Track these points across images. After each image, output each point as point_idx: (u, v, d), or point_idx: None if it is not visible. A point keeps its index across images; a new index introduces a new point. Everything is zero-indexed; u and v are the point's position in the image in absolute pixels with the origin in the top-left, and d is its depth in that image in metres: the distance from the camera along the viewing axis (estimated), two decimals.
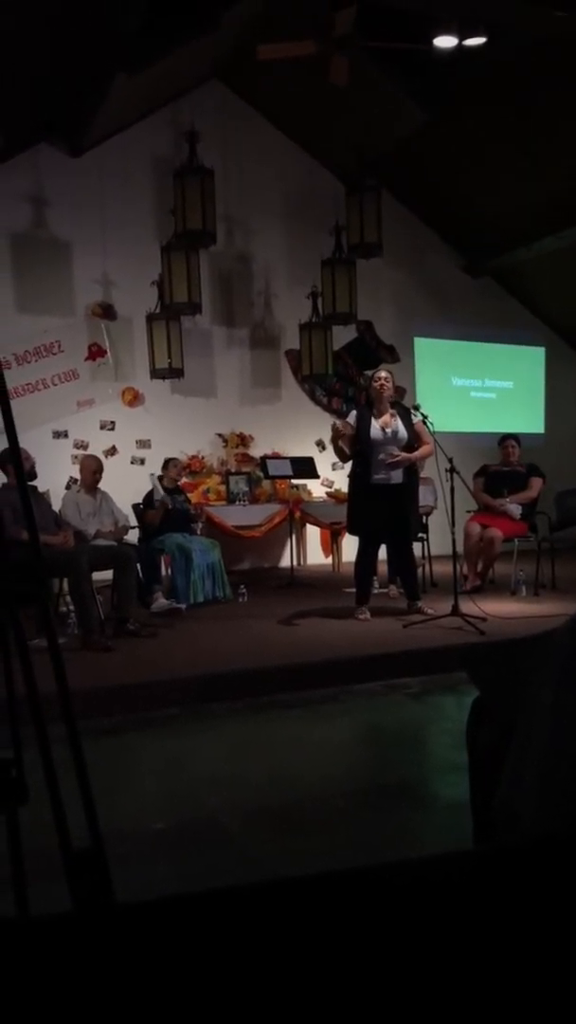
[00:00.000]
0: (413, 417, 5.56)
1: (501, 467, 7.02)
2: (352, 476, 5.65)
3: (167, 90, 8.11)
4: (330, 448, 9.14)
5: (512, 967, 0.62)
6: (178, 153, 8.04)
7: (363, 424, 5.49)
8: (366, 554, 5.69)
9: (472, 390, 10.28)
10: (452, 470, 5.36)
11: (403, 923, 0.66)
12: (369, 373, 9.01)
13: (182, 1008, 0.59)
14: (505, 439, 7.13)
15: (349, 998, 0.58)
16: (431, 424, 5.58)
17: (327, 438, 9.27)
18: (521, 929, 0.65)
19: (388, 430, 5.48)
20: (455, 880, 0.71)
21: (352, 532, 5.80)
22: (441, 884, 0.69)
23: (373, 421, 5.50)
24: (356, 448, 5.50)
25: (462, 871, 0.72)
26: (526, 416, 10.34)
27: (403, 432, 5.50)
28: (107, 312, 8.29)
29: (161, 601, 6.20)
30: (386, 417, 5.52)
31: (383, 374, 5.67)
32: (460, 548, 5.90)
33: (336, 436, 5.55)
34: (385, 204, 8.68)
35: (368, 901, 0.68)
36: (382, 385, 5.56)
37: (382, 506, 5.44)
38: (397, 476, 5.48)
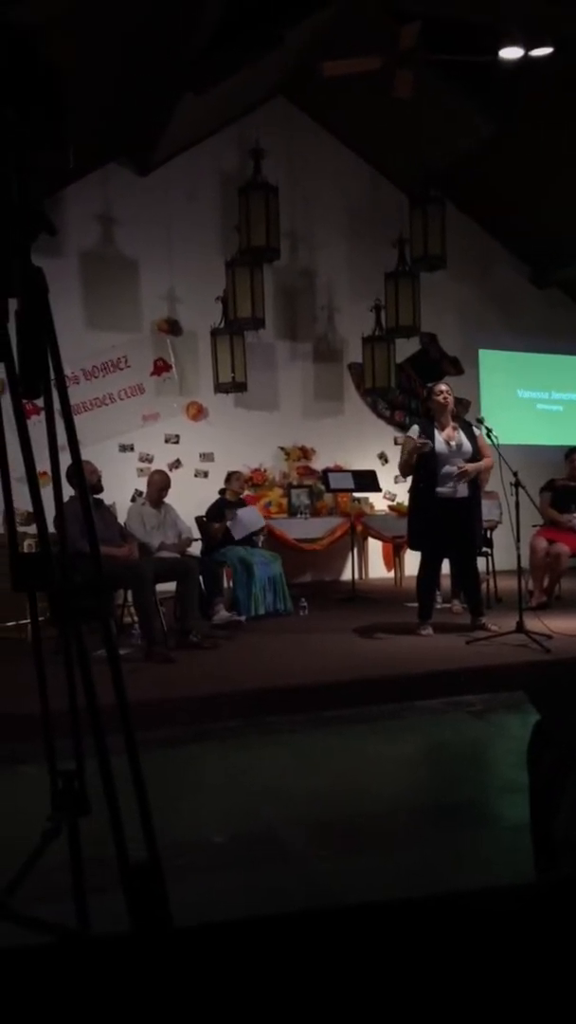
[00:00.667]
0: (475, 431, 5.51)
1: (568, 481, 6.88)
2: (415, 490, 5.59)
3: (233, 108, 8.23)
4: (393, 462, 9.13)
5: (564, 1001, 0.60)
6: (243, 170, 8.14)
7: (428, 437, 5.44)
8: (429, 569, 5.63)
9: (538, 402, 10.12)
10: (517, 484, 5.28)
11: (468, 955, 0.65)
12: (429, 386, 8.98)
13: None
14: (572, 452, 6.99)
15: None
16: (496, 437, 5.51)
17: (389, 451, 9.27)
18: None
19: (452, 443, 5.43)
20: (521, 912, 0.70)
21: (414, 547, 5.73)
22: (505, 916, 0.68)
23: (437, 434, 5.45)
24: (420, 462, 5.43)
25: (527, 903, 0.71)
26: None
27: (467, 445, 5.44)
28: (172, 327, 8.43)
29: (223, 613, 6.24)
30: (449, 430, 5.47)
31: (444, 387, 5.62)
32: (525, 563, 5.79)
33: (414, 451, 5.42)
34: (449, 216, 8.64)
35: (432, 931, 0.67)
36: (445, 398, 5.51)
37: (446, 520, 5.38)
38: (462, 490, 5.42)
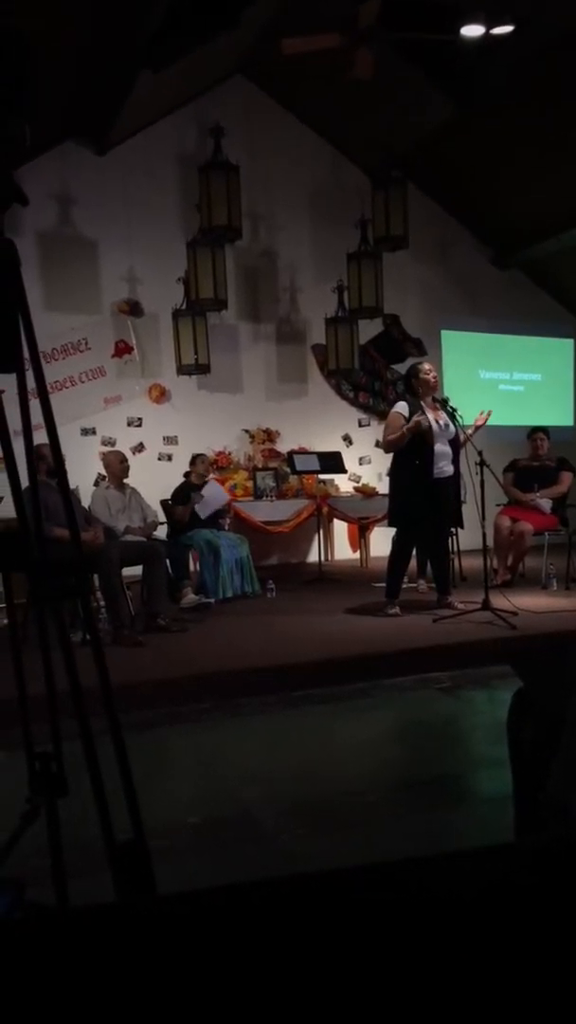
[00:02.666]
0: (450, 409, 5.53)
1: (531, 461, 6.95)
2: (403, 470, 5.51)
3: (192, 87, 8.11)
4: (359, 443, 9.15)
5: (562, 963, 0.61)
6: (203, 149, 8.04)
7: (420, 417, 5.43)
8: (405, 548, 5.63)
9: (500, 383, 10.20)
10: (482, 464, 5.32)
11: (449, 918, 0.65)
12: (399, 367, 8.99)
13: (218, 995, 0.58)
14: (534, 432, 7.06)
15: (392, 991, 0.58)
16: (461, 417, 5.54)
17: (354, 433, 9.28)
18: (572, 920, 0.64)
19: (441, 422, 5.44)
20: (506, 874, 0.70)
21: (398, 524, 5.65)
22: (493, 878, 0.68)
23: (427, 413, 5.44)
24: (416, 441, 5.37)
25: (512, 864, 0.71)
26: (555, 409, 10.25)
27: (452, 425, 5.46)
28: (133, 309, 8.33)
29: (190, 596, 6.21)
30: (435, 410, 5.48)
31: (429, 367, 5.62)
32: (490, 542, 5.85)
33: (414, 429, 5.36)
34: (411, 197, 8.62)
35: (412, 895, 0.67)
36: (434, 377, 5.52)
37: (432, 499, 5.39)
38: (450, 469, 5.44)
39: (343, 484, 8.80)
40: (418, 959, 0.61)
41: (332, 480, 8.60)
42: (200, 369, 8.17)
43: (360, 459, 9.07)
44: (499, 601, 5.26)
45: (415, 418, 5.32)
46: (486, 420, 5.30)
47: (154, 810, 2.74)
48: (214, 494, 6.77)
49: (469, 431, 5.50)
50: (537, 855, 0.75)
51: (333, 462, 7.93)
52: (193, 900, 0.69)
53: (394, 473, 5.57)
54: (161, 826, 2.60)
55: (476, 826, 2.58)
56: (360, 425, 9.34)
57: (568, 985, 0.59)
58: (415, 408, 5.44)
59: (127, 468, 6.02)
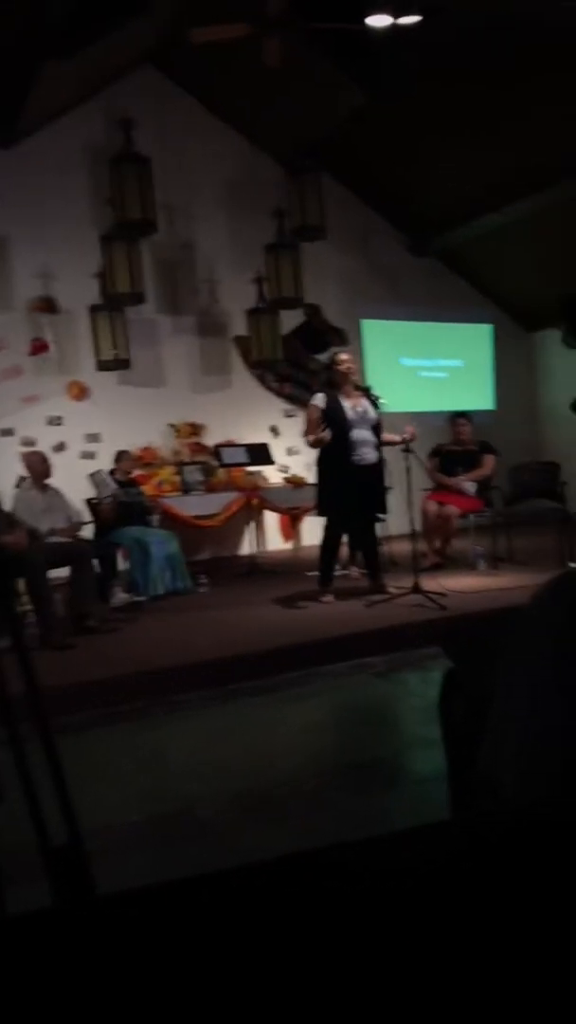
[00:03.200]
0: (372, 395, 5.60)
1: (454, 446, 7.08)
2: (325, 458, 5.57)
3: (100, 77, 7.96)
4: (286, 434, 9.17)
5: (500, 939, 0.62)
6: (113, 141, 7.92)
7: (335, 406, 5.48)
8: (334, 536, 5.69)
9: (422, 370, 10.34)
10: (407, 450, 5.39)
11: (385, 899, 0.65)
12: (319, 356, 9.03)
13: (166, 995, 0.57)
14: (456, 417, 7.19)
15: (326, 982, 0.57)
16: (383, 405, 5.61)
17: (280, 424, 9.30)
18: (509, 896, 0.65)
19: (359, 409, 5.51)
20: (443, 850, 0.71)
21: (324, 513, 5.71)
22: (429, 855, 0.68)
23: (343, 402, 5.50)
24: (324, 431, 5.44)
25: (448, 841, 0.72)
26: (476, 394, 10.44)
27: (372, 412, 5.53)
28: (49, 306, 8.15)
29: (120, 596, 6.14)
30: (354, 398, 5.54)
31: (346, 356, 5.70)
32: (418, 526, 5.94)
33: (317, 443, 5.47)
34: (327, 187, 8.67)
35: (349, 879, 0.67)
36: (349, 367, 5.57)
37: (358, 486, 5.45)
38: (371, 455, 5.50)
39: (272, 475, 8.80)
40: (354, 944, 0.61)
41: (261, 472, 8.60)
42: (120, 364, 8.06)
43: (288, 450, 9.08)
44: (429, 584, 5.36)
45: (320, 435, 5.41)
46: (411, 437, 5.41)
47: (93, 812, 2.70)
48: (99, 479, 6.62)
49: (396, 437, 5.56)
50: (468, 831, 0.76)
51: (261, 454, 7.93)
52: (134, 899, 0.68)
53: (319, 463, 5.65)
54: (101, 827, 2.56)
55: (413, 806, 2.62)
56: (286, 416, 9.35)
57: (503, 960, 0.60)
58: (333, 398, 5.51)
59: (49, 468, 5.90)
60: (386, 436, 5.61)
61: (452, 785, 1.35)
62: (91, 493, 6.66)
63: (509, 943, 0.59)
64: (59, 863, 1.22)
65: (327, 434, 5.40)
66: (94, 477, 6.56)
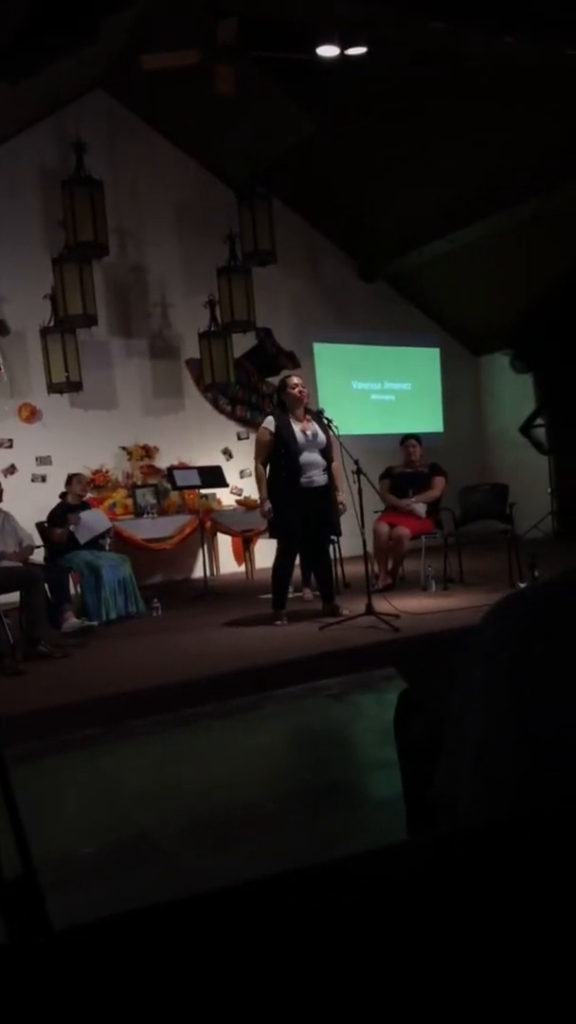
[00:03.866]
0: (324, 420, 5.65)
1: (404, 468, 7.16)
2: (274, 481, 5.62)
3: (50, 100, 7.97)
4: (239, 456, 9.18)
5: (460, 953, 0.63)
6: (65, 164, 7.91)
7: (285, 429, 5.52)
8: (286, 558, 5.71)
9: (372, 393, 10.46)
10: (359, 472, 5.45)
11: (346, 922, 0.66)
12: (272, 379, 9.08)
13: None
14: (406, 439, 7.28)
15: (294, 1008, 0.58)
16: (336, 428, 5.67)
17: (233, 446, 9.31)
18: (472, 912, 0.66)
19: (308, 433, 5.55)
20: (406, 869, 0.72)
21: (276, 535, 5.75)
22: (392, 873, 0.69)
23: (293, 425, 5.55)
24: (277, 454, 5.52)
25: (408, 860, 0.73)
26: (425, 416, 10.59)
27: (321, 435, 5.57)
28: None
29: (72, 621, 6.06)
30: (304, 421, 5.59)
31: (297, 380, 5.74)
32: (370, 548, 5.99)
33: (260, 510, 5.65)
34: (278, 212, 8.76)
35: (314, 901, 0.68)
36: (300, 391, 5.62)
37: (307, 509, 5.47)
38: (320, 479, 5.54)
39: (225, 498, 8.80)
40: (322, 967, 0.62)
41: (214, 494, 8.59)
42: (72, 387, 8.00)
43: (241, 472, 9.09)
44: (382, 605, 5.39)
45: (263, 509, 5.60)
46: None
47: (46, 843, 2.65)
48: (95, 519, 6.64)
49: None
50: (427, 850, 0.77)
51: (214, 476, 7.93)
52: (92, 931, 0.68)
53: (268, 486, 5.67)
54: (55, 859, 2.51)
55: (371, 828, 2.62)
56: (239, 438, 9.37)
57: (463, 975, 0.61)
58: (281, 422, 5.56)
59: (0, 492, 5.82)
60: (336, 473, 5.65)
61: (409, 805, 1.36)
62: (43, 517, 6.59)
63: (481, 952, 0.60)
64: (12, 897, 1.20)
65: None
66: (91, 514, 6.57)
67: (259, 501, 5.64)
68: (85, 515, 6.57)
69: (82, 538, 6.43)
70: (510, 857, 0.70)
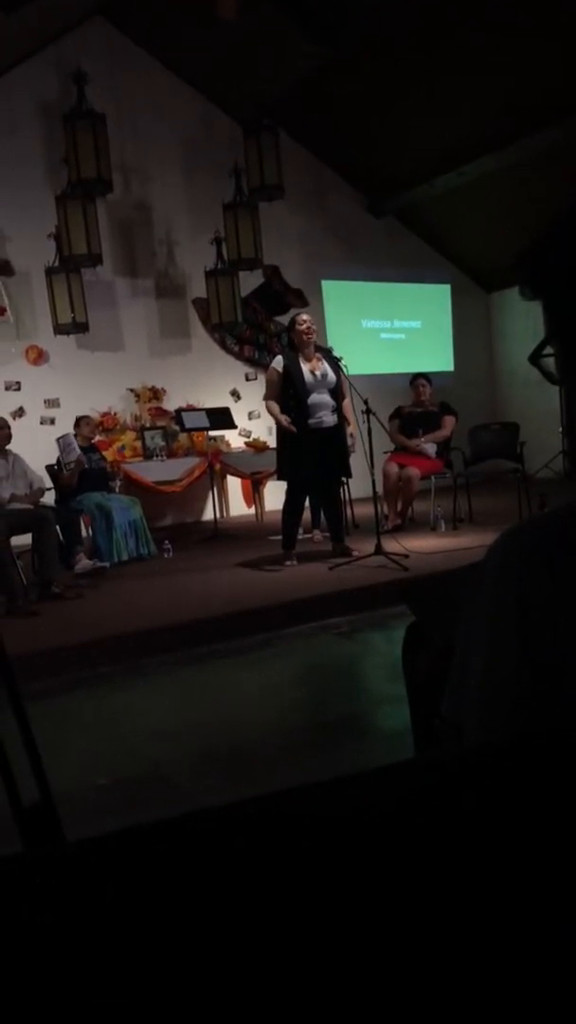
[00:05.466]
0: (335, 357, 5.60)
1: (414, 408, 7.11)
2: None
3: (48, 28, 7.72)
4: (247, 397, 9.13)
5: (465, 869, 0.64)
6: (66, 97, 7.70)
7: (293, 369, 5.47)
8: (296, 500, 5.72)
9: (382, 331, 10.33)
10: (368, 412, 5.41)
11: (354, 835, 0.67)
12: (280, 318, 8.97)
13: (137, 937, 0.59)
14: (416, 379, 7.21)
15: (299, 925, 0.59)
16: (345, 367, 5.61)
17: (241, 387, 9.25)
18: (472, 829, 0.67)
19: (318, 373, 5.50)
20: (408, 786, 0.73)
21: (284, 478, 5.75)
22: (395, 791, 0.70)
23: (302, 364, 5.49)
24: (288, 392, 5.47)
25: (410, 778, 0.74)
26: (436, 355, 10.47)
27: (331, 374, 5.52)
28: (3, 268, 7.97)
29: (84, 562, 6.11)
30: (314, 360, 5.53)
31: (306, 317, 5.67)
32: (380, 489, 5.98)
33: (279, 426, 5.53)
34: (285, 146, 8.53)
35: (318, 816, 0.69)
36: (308, 329, 5.55)
37: (316, 450, 5.46)
38: (329, 419, 5.51)
39: (234, 440, 8.77)
40: (326, 884, 0.63)
41: (223, 436, 8.56)
42: (78, 328, 7.92)
43: (249, 414, 9.05)
44: (391, 545, 5.41)
45: (284, 425, 5.45)
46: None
47: (61, 776, 2.71)
48: (66, 442, 6.54)
49: (351, 422, 5.60)
50: (434, 767, 0.78)
51: (222, 418, 7.90)
52: (105, 842, 0.69)
53: (277, 427, 5.65)
54: (69, 790, 2.58)
55: (380, 760, 2.67)
56: (247, 379, 9.30)
57: (470, 891, 0.62)
58: (290, 361, 5.51)
59: (8, 434, 5.81)
60: (347, 411, 5.60)
61: (416, 736, 1.39)
62: (52, 459, 6.59)
63: (480, 867, 0.61)
64: (31, 821, 1.23)
65: (287, 423, 5.43)
66: (61, 440, 6.47)
67: (284, 423, 5.48)
68: (61, 446, 6.48)
69: (67, 457, 6.35)
70: (510, 777, 0.71)
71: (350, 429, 5.59)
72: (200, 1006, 0.53)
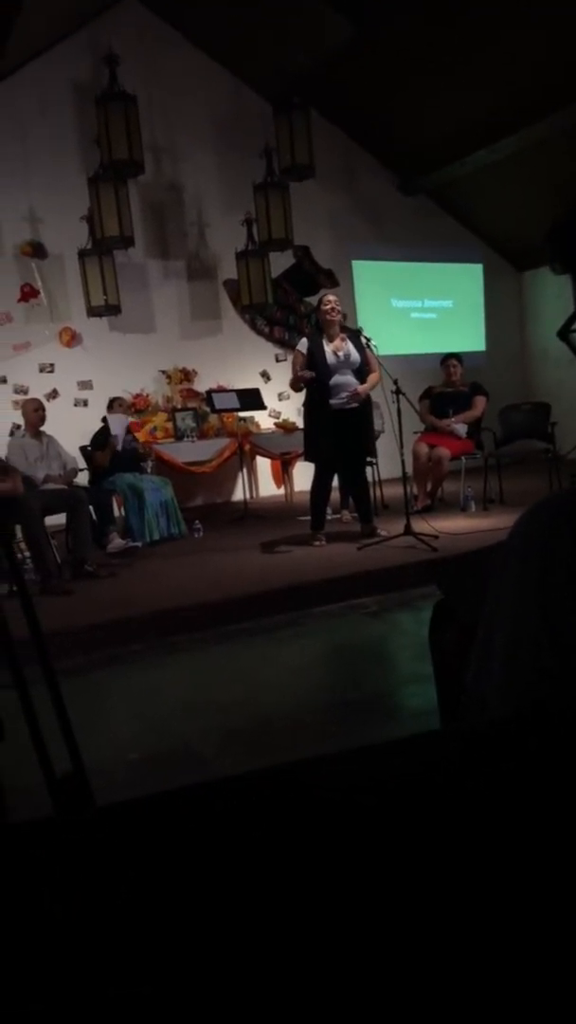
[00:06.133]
0: (363, 340, 5.58)
1: (445, 388, 7.07)
2: (308, 403, 5.62)
3: (82, 10, 7.72)
4: (276, 379, 9.13)
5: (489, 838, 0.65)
6: (98, 79, 7.70)
7: (317, 351, 5.48)
8: (322, 481, 5.74)
9: (412, 311, 10.25)
10: (398, 392, 5.40)
11: (378, 803, 0.69)
12: (310, 299, 8.94)
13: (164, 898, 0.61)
14: (447, 359, 7.16)
15: (325, 886, 0.61)
16: (375, 347, 5.60)
17: (271, 368, 9.25)
18: (497, 797, 0.69)
19: (340, 354, 5.50)
20: (434, 755, 0.74)
21: (310, 459, 5.78)
22: (420, 759, 0.72)
23: (326, 346, 5.50)
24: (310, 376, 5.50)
25: (438, 746, 0.76)
26: (467, 334, 10.37)
27: (355, 355, 5.52)
28: (37, 250, 8.02)
29: (117, 541, 6.18)
30: (337, 341, 5.53)
31: (332, 298, 5.66)
32: (409, 469, 5.97)
33: (299, 380, 5.54)
34: (315, 125, 8.47)
35: (344, 784, 0.70)
36: (332, 308, 5.55)
37: (340, 431, 5.46)
38: (354, 400, 5.52)
39: (263, 421, 8.79)
40: (352, 848, 0.65)
41: (252, 417, 8.58)
42: (110, 310, 7.97)
43: (279, 395, 9.05)
44: (420, 526, 5.41)
45: (301, 373, 5.46)
46: (359, 394, 5.48)
47: (93, 750, 2.77)
48: (117, 420, 6.63)
49: (373, 366, 5.58)
50: (459, 737, 0.80)
51: (252, 399, 7.91)
52: (133, 807, 0.72)
53: (304, 408, 5.70)
54: (101, 764, 2.63)
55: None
56: (277, 360, 9.30)
57: (491, 857, 0.64)
58: (314, 343, 5.52)
59: (43, 416, 5.89)
60: (370, 381, 5.57)
61: (442, 711, 1.40)
62: (86, 440, 6.66)
63: (502, 838, 0.63)
64: (62, 790, 1.27)
65: (308, 372, 5.42)
66: (109, 417, 6.55)
67: (307, 377, 5.49)
68: (111, 419, 6.56)
69: (116, 428, 6.44)
70: (530, 747, 0.73)
71: (361, 387, 5.53)
72: (225, 960, 0.55)
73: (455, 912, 0.58)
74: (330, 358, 5.47)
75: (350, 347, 5.53)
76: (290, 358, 9.02)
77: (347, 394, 5.46)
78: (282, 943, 0.56)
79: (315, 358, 5.47)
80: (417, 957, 0.54)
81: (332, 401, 5.46)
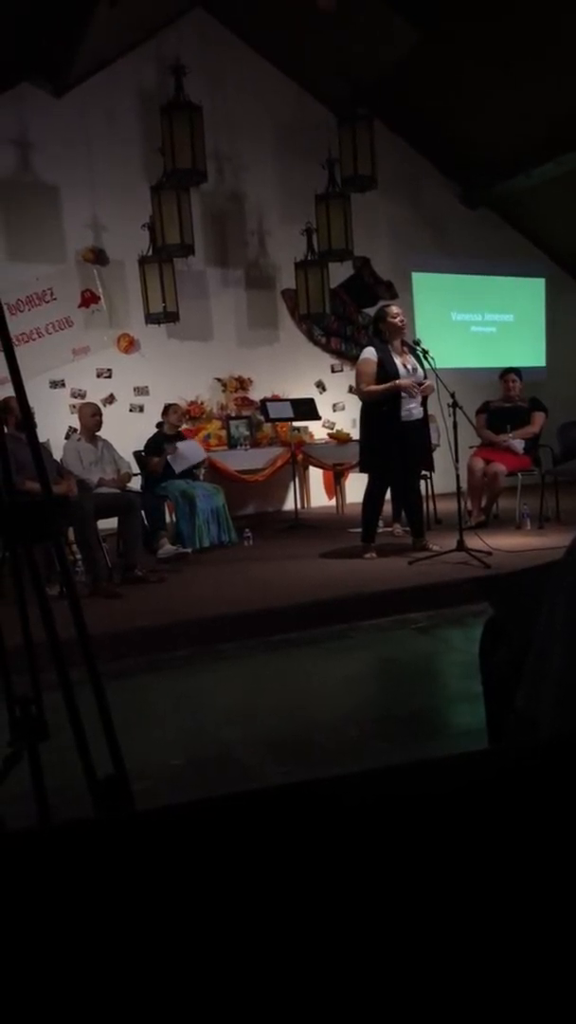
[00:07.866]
0: (419, 352, 5.54)
1: (503, 403, 6.97)
2: (374, 414, 5.51)
3: (150, 21, 7.84)
4: (332, 389, 9.11)
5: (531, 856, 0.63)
6: (164, 88, 7.81)
7: (387, 361, 5.44)
8: (378, 491, 5.69)
9: (472, 324, 10.15)
10: (455, 405, 5.33)
11: (421, 821, 0.67)
12: (369, 311, 8.91)
13: (201, 905, 0.60)
14: (506, 373, 7.07)
15: (362, 893, 0.59)
16: (432, 360, 5.54)
17: (327, 379, 9.24)
18: (542, 822, 0.66)
19: (408, 366, 5.47)
20: (482, 774, 0.72)
21: (368, 469, 5.71)
22: (468, 778, 0.70)
23: (394, 357, 5.46)
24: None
25: (485, 766, 0.73)
26: (527, 349, 10.24)
27: (419, 368, 5.49)
28: (99, 257, 8.16)
29: (167, 547, 6.22)
30: (404, 354, 5.51)
31: (397, 309, 5.63)
32: (464, 484, 5.89)
33: (395, 388, 5.39)
34: (378, 135, 8.45)
35: (382, 802, 0.69)
36: (401, 320, 5.53)
37: (402, 442, 5.42)
38: (417, 412, 5.49)
39: (317, 431, 8.78)
40: (397, 858, 0.63)
41: (306, 427, 8.58)
42: (169, 317, 8.04)
43: (334, 405, 9.03)
44: (473, 542, 5.33)
45: (399, 382, 5.36)
46: (431, 388, 5.39)
47: (136, 754, 2.77)
48: (191, 450, 6.74)
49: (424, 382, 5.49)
50: (507, 757, 0.77)
51: (307, 409, 7.91)
52: (170, 813, 0.71)
53: (363, 418, 5.63)
54: (143, 769, 2.63)
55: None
56: (333, 371, 9.29)
57: (538, 876, 0.62)
58: (383, 352, 5.46)
59: (100, 421, 5.96)
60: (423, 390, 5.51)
61: (491, 729, 1.37)
62: (140, 446, 6.73)
63: (545, 860, 0.60)
64: (103, 792, 1.27)
65: (409, 381, 5.37)
66: (184, 444, 6.67)
67: (403, 386, 5.35)
68: (182, 446, 6.68)
69: (178, 468, 6.56)
70: None
71: (428, 383, 5.42)
72: (254, 967, 0.53)
73: (497, 932, 0.56)
74: (401, 370, 5.43)
75: (413, 360, 5.51)
76: (347, 369, 9.04)
77: (414, 404, 5.42)
78: (311, 955, 0.54)
79: (386, 368, 5.43)
80: (456, 976, 0.52)
81: (402, 412, 5.41)
